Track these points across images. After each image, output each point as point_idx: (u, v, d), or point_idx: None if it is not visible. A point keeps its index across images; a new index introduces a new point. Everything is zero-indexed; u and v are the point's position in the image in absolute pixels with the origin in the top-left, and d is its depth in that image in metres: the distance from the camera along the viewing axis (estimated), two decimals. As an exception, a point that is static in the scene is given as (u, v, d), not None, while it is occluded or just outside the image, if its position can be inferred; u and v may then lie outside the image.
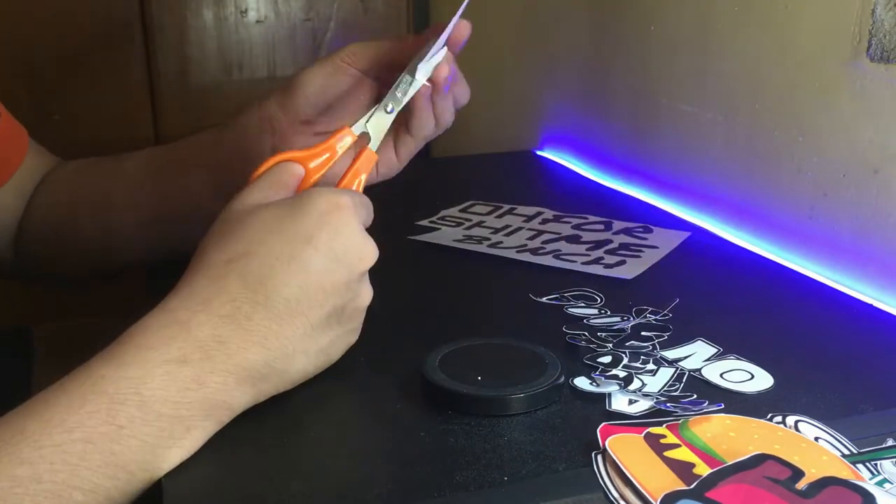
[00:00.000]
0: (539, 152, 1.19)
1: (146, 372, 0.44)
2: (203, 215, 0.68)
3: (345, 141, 0.56)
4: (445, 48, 0.59)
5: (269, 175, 0.52)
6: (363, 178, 0.56)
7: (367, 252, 0.50)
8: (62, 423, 0.41)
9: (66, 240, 0.74)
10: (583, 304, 0.63)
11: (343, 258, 0.48)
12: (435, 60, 0.59)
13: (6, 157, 0.74)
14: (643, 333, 0.58)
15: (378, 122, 0.58)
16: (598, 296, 0.65)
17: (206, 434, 0.45)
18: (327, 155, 0.55)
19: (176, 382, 0.44)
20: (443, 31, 0.59)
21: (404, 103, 0.59)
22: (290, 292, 0.47)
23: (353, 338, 0.52)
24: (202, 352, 0.45)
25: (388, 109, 0.58)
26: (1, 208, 0.74)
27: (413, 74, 0.58)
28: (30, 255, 0.76)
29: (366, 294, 0.51)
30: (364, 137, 0.57)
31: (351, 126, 0.57)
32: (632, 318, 0.60)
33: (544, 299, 0.64)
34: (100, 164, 0.76)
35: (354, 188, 0.55)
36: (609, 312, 0.62)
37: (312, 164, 0.54)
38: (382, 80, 0.64)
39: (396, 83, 0.58)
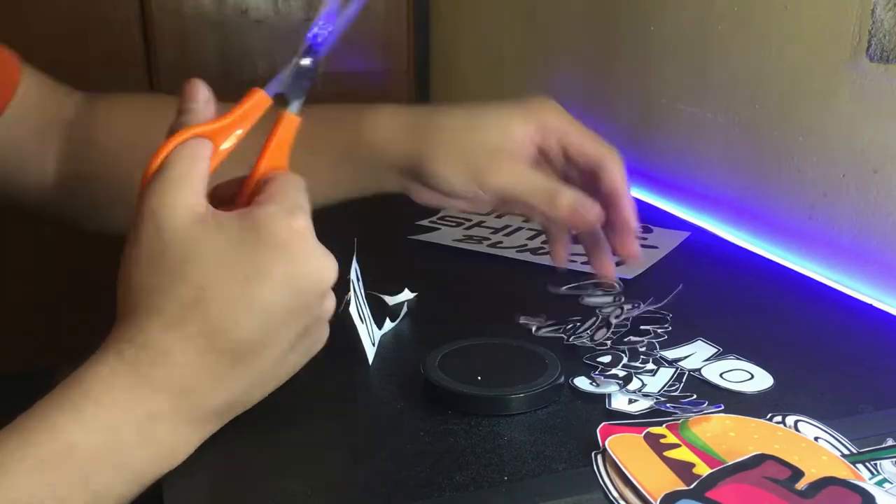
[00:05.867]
0: (539, 152, 1.19)
1: (117, 436, 0.41)
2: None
3: (258, 109, 0.47)
4: None
5: (178, 166, 0.44)
6: (287, 150, 0.48)
7: (328, 270, 0.45)
8: (31, 494, 0.39)
9: (112, 191, 0.66)
10: (601, 293, 0.64)
11: (304, 286, 0.44)
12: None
13: None
14: (642, 327, 0.58)
15: (296, 81, 0.49)
16: (616, 283, 0.65)
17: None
18: (238, 129, 0.46)
19: (148, 441, 0.42)
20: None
21: (323, 54, 0.50)
22: (253, 335, 0.43)
23: (319, 346, 0.49)
24: (169, 404, 0.43)
25: (305, 63, 0.49)
26: (25, 151, 0.67)
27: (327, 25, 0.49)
28: (75, 204, 0.70)
29: (329, 306, 0.47)
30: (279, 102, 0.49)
31: (263, 87, 0.48)
32: (640, 304, 0.61)
33: (563, 289, 0.64)
34: (147, 105, 0.69)
35: (278, 164, 0.47)
36: (624, 299, 0.62)
37: (224, 141, 0.46)
38: None
39: (311, 29, 0.49)
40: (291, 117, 0.48)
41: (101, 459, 0.41)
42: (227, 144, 0.46)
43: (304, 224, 0.44)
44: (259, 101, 0.47)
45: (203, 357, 0.43)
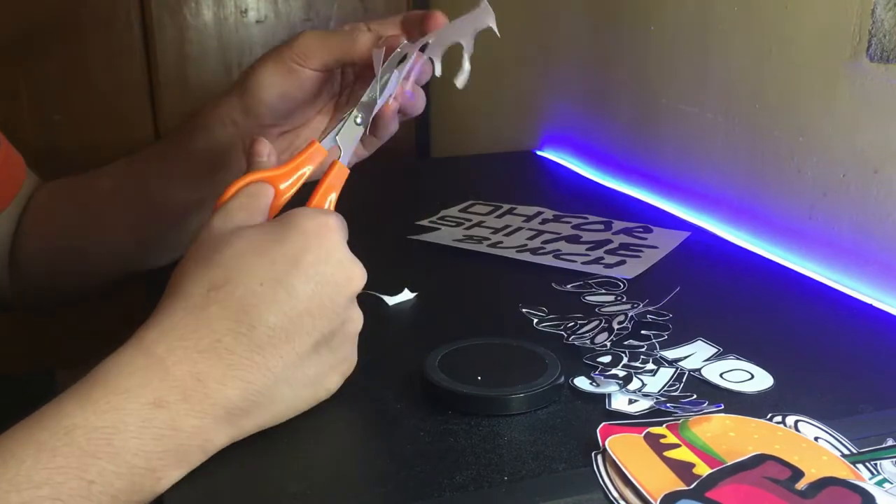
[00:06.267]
0: (539, 152, 1.19)
1: (120, 419, 0.41)
2: (187, 221, 0.68)
3: (315, 158, 0.53)
4: (417, 54, 0.57)
5: (240, 197, 0.50)
6: (335, 196, 0.53)
7: (356, 274, 0.47)
8: (30, 479, 0.39)
9: (56, 264, 0.73)
10: (603, 291, 0.66)
11: (331, 281, 0.46)
12: (406, 68, 0.56)
13: (2, 188, 0.72)
14: (643, 332, 0.58)
15: (348, 135, 0.55)
16: (621, 281, 0.67)
17: (175, 480, 0.43)
18: (297, 174, 0.53)
19: (150, 430, 0.41)
20: (403, 29, 0.59)
21: (374, 113, 0.56)
22: (276, 319, 0.44)
23: (345, 367, 0.50)
24: (179, 392, 0.42)
25: (358, 121, 0.55)
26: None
27: (384, 85, 0.56)
28: (25, 281, 0.75)
29: (355, 319, 0.49)
30: (333, 150, 0.55)
31: (321, 140, 0.54)
32: (639, 304, 0.61)
33: (569, 286, 0.67)
34: (75, 183, 0.74)
35: (327, 206, 0.53)
36: (625, 298, 0.63)
37: (283, 185, 0.52)
38: (338, 75, 0.64)
39: (367, 92, 0.56)
40: (342, 168, 0.53)
41: (98, 441, 0.40)
42: (288, 187, 0.52)
43: (334, 223, 0.47)
44: (315, 151, 0.53)
45: (221, 342, 0.44)
